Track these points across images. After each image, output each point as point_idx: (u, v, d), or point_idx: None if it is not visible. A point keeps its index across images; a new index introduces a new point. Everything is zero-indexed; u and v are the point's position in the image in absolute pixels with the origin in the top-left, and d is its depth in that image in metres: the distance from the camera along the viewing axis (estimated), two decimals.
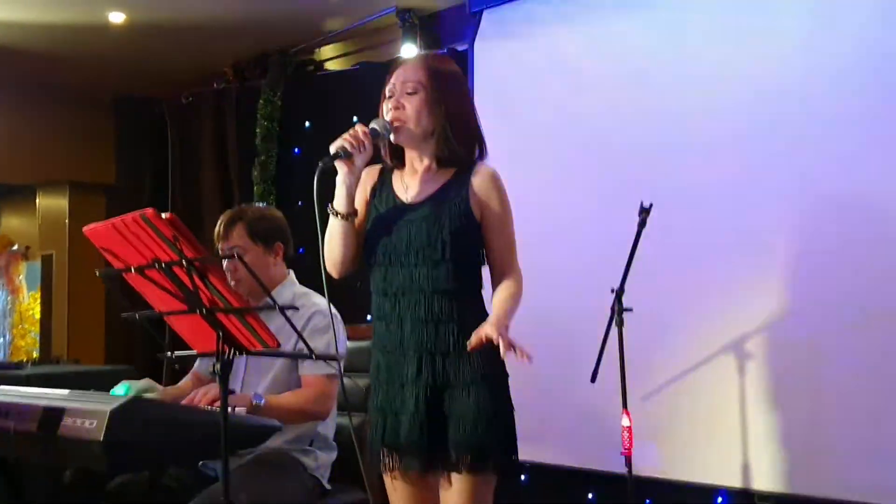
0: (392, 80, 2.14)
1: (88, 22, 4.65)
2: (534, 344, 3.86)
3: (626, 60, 3.72)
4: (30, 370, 4.34)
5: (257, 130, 5.04)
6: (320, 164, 2.02)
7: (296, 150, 4.90)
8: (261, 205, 2.97)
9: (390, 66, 2.27)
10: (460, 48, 4.36)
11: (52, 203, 6.25)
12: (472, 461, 2.05)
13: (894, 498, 2.96)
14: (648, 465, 3.50)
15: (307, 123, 4.85)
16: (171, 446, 1.96)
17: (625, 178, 3.61)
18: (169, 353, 1.84)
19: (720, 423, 3.36)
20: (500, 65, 4.17)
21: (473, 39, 4.25)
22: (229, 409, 2.11)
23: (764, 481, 3.25)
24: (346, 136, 2.07)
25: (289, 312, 2.60)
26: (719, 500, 3.41)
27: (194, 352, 1.81)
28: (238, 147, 5.36)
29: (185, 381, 2.88)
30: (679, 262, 3.49)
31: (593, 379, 3.05)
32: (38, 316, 6.64)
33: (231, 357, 1.65)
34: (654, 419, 3.50)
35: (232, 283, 2.79)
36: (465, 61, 4.26)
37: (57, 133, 5.88)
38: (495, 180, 2.18)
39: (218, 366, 1.63)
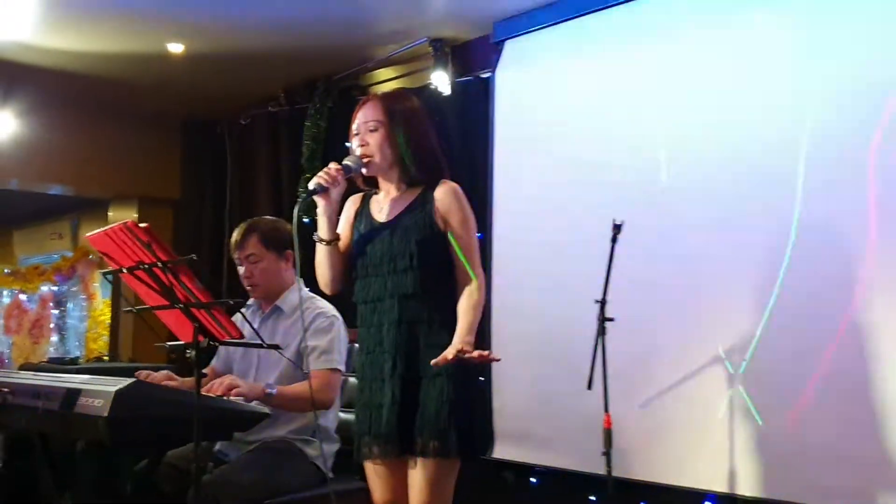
0: (356, 120, 2.46)
1: (151, 51, 5.06)
2: (541, 353, 4.16)
3: (629, 88, 3.95)
4: (80, 366, 4.79)
5: (303, 151, 5.40)
6: (299, 199, 2.35)
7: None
8: (270, 218, 3.31)
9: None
10: (485, 76, 4.63)
11: (123, 215, 6.73)
12: (434, 446, 2.30)
13: (868, 501, 3.10)
14: (642, 469, 3.70)
15: (349, 144, 5.17)
16: (170, 425, 2.27)
17: (627, 194, 3.82)
18: (165, 345, 2.16)
19: (709, 430, 3.52)
20: (518, 90, 4.43)
21: (496, 67, 4.53)
22: (242, 399, 2.45)
23: (748, 487, 3.40)
24: (321, 173, 2.40)
25: (297, 314, 2.94)
26: (707, 503, 3.56)
27: (182, 342, 2.13)
28: (289, 165, 5.73)
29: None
30: (670, 276, 3.71)
31: (589, 385, 3.27)
32: (109, 321, 7.15)
33: (206, 345, 1.95)
34: (649, 425, 3.69)
35: (248, 288, 3.15)
36: (488, 88, 4.55)
37: (128, 152, 6.35)
38: (456, 194, 2.44)
39: (193, 353, 1.95)
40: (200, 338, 1.96)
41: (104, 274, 2.06)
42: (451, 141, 4.56)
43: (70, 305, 7.74)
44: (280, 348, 2.28)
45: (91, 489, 2.71)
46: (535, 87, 4.35)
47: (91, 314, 7.47)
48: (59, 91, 5.78)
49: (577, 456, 3.88)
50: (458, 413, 2.32)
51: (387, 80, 5.37)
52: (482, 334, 4.21)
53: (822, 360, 3.24)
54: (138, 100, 6.03)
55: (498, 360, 2.34)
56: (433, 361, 2.24)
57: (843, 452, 3.15)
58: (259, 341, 2.14)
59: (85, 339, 7.45)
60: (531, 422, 4.16)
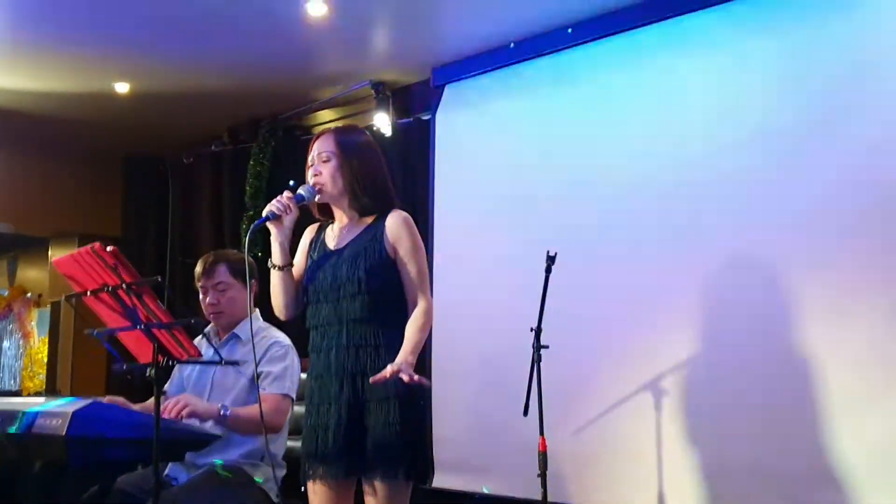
0: (312, 152, 2.62)
1: (97, 91, 5.14)
2: (479, 382, 4.31)
3: (561, 128, 4.20)
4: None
5: (247, 188, 5.52)
6: (251, 225, 2.48)
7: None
8: (235, 251, 3.44)
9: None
10: (425, 118, 4.83)
11: (62, 254, 6.70)
12: (384, 469, 2.40)
13: None
14: (576, 493, 3.86)
15: (291, 182, 5.30)
16: (126, 444, 2.35)
17: (561, 228, 4.02)
18: (123, 366, 2.26)
19: (638, 453, 3.70)
20: (457, 131, 4.65)
21: (436, 110, 4.74)
22: (196, 421, 2.54)
23: None
24: (274, 201, 2.54)
25: (252, 342, 3.04)
26: None
27: (140, 363, 2.23)
28: (231, 202, 5.83)
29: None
30: (602, 307, 3.92)
31: (525, 412, 3.42)
32: (45, 359, 7.08)
33: (164, 364, 2.07)
34: (582, 450, 3.86)
35: (212, 315, 3.25)
36: (429, 129, 4.76)
37: (68, 189, 6.36)
38: (406, 222, 2.57)
39: (153, 371, 2.06)
40: (160, 357, 2.07)
41: (67, 298, 2.16)
42: (394, 179, 4.72)
43: (5, 343, 7.63)
44: (238, 363, 2.40)
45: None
46: (474, 129, 4.57)
47: (27, 352, 7.39)
48: None
49: (514, 482, 4.01)
50: (407, 436, 2.41)
51: (330, 120, 5.54)
52: (422, 363, 4.36)
53: (746, 387, 3.46)
54: (79, 137, 6.07)
55: (428, 385, 2.45)
56: (372, 379, 2.34)
57: (768, 473, 3.36)
58: (216, 360, 2.25)
59: (21, 377, 7.36)
60: (469, 450, 4.30)
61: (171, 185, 6.34)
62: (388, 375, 2.33)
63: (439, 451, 4.40)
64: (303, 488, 2.60)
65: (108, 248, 1.94)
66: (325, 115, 5.57)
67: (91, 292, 2.03)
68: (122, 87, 5.10)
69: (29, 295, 7.56)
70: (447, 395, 4.37)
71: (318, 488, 2.52)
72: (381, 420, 2.42)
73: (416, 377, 2.35)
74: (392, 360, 2.42)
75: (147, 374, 2.09)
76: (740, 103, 3.64)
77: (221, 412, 2.85)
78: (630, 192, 3.91)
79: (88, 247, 1.95)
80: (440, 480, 4.38)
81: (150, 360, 2.12)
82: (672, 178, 3.78)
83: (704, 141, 3.71)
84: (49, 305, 6.85)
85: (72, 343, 6.48)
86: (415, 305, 2.54)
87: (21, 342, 7.54)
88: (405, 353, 2.42)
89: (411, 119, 4.94)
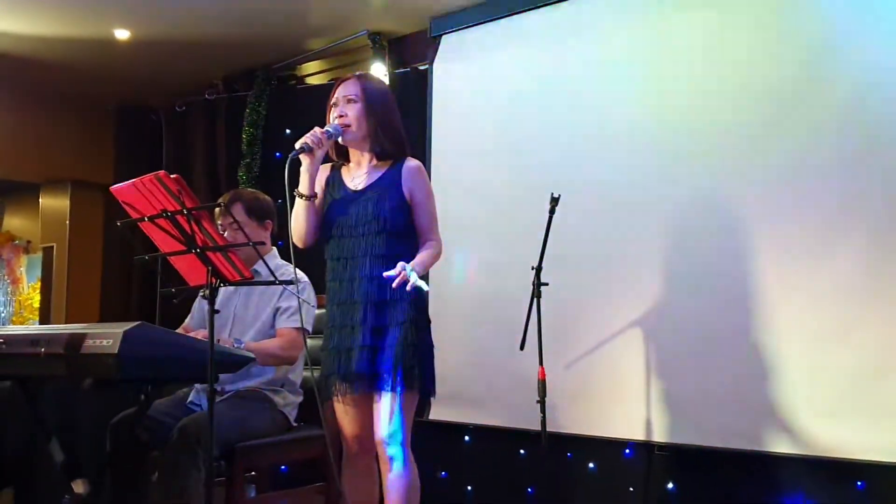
0: (336, 94, 2.80)
1: (96, 37, 5.20)
2: (476, 320, 4.51)
3: (558, 79, 4.37)
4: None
5: (243, 136, 5.63)
6: (290, 156, 2.64)
7: (277, 154, 5.48)
8: (252, 191, 3.57)
9: None
10: (422, 68, 4.97)
11: (55, 200, 6.78)
12: (399, 380, 2.63)
13: (763, 444, 3.58)
14: (568, 423, 4.11)
15: (287, 131, 5.44)
16: (171, 363, 2.52)
17: (554, 174, 4.18)
18: (172, 289, 2.43)
19: (627, 386, 3.94)
20: (454, 82, 4.80)
21: (433, 61, 4.88)
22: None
23: (662, 434, 3.85)
24: (307, 136, 2.71)
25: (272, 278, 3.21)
26: (626, 451, 3.99)
27: (190, 287, 2.40)
28: (226, 151, 5.95)
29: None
30: (594, 249, 4.13)
31: (522, 346, 3.64)
32: (37, 305, 7.18)
33: (217, 286, 2.24)
34: (574, 383, 4.09)
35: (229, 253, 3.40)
36: (426, 80, 4.90)
37: (61, 136, 6.41)
38: (421, 171, 2.83)
39: (208, 291, 2.23)
40: (213, 279, 2.24)
41: (122, 223, 2.31)
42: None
43: None
44: (292, 283, 2.59)
45: (93, 428, 2.92)
46: (471, 79, 4.72)
47: (18, 299, 7.47)
48: None
49: (509, 414, 4.25)
50: (420, 354, 2.68)
51: (325, 69, 5.66)
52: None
53: (728, 322, 3.71)
54: (72, 84, 6.10)
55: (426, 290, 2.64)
56: (386, 274, 2.57)
57: (747, 403, 3.62)
58: (271, 281, 2.41)
59: (11, 323, 7.45)
60: (466, 384, 4.51)
61: (165, 134, 6.41)
62: (399, 272, 2.53)
63: (437, 385, 4.61)
64: (321, 409, 2.80)
65: (172, 176, 2.10)
66: (320, 65, 5.69)
67: (149, 218, 2.18)
68: (122, 34, 5.16)
69: (17, 242, 7.62)
70: (444, 333, 4.54)
71: (347, 408, 2.77)
72: (399, 341, 2.66)
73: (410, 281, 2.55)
74: (406, 291, 2.63)
75: (202, 294, 2.26)
76: (725, 56, 3.83)
77: (234, 345, 3.04)
78: (623, 139, 4.09)
79: (152, 174, 2.10)
80: (437, 413, 4.61)
81: (199, 282, 2.28)
82: (659, 125, 3.98)
83: (690, 93, 3.91)
84: (41, 251, 6.93)
85: (66, 290, 6.58)
86: (425, 243, 2.81)
87: (10, 288, 7.62)
88: (415, 262, 2.67)
89: (408, 69, 5.07)
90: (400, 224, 2.75)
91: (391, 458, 2.68)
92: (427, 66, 4.92)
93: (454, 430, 4.55)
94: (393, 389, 2.64)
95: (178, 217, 2.14)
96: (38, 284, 7.10)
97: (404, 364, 2.64)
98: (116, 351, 2.35)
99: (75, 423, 3.33)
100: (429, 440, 4.57)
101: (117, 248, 6.49)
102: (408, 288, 2.52)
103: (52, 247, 6.76)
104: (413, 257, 2.75)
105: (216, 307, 3.38)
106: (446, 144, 4.79)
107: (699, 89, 3.89)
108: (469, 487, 4.48)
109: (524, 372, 3.68)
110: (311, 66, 5.79)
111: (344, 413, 2.79)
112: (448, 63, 4.84)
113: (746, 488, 3.62)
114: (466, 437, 4.52)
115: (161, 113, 6.42)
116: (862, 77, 3.45)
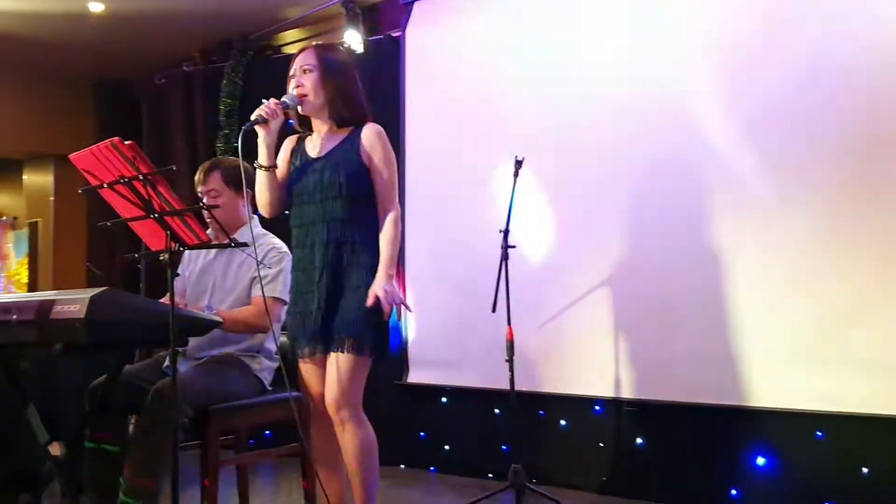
0: (294, 65, 2.83)
1: (70, 11, 5.22)
2: (450, 285, 4.59)
3: (528, 44, 4.41)
4: None
5: (221, 108, 5.67)
6: (243, 128, 2.69)
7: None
8: (232, 159, 3.57)
9: None
10: (395, 35, 5.01)
11: (38, 176, 6.82)
12: (350, 343, 2.68)
13: (726, 398, 3.67)
14: (541, 382, 4.20)
15: (264, 100, 5.46)
16: (138, 326, 2.57)
17: (526, 138, 4.26)
18: (135, 254, 2.49)
19: (597, 345, 4.04)
20: (427, 48, 4.83)
21: (406, 27, 4.92)
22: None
23: (629, 391, 3.95)
24: (261, 107, 2.75)
25: (250, 248, 3.25)
26: (597, 408, 4.09)
27: (152, 251, 2.45)
28: (205, 122, 5.98)
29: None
30: (565, 210, 4.19)
31: (494, 308, 3.72)
32: (25, 280, 7.24)
33: (177, 250, 2.30)
34: (545, 343, 4.19)
35: (208, 220, 3.43)
36: (399, 47, 4.94)
37: (42, 111, 6.45)
38: (379, 135, 2.82)
39: (167, 256, 2.29)
40: (172, 244, 2.31)
41: (84, 190, 2.37)
42: (367, 95, 4.92)
43: None
44: (247, 245, 2.64)
45: (67, 393, 2.99)
46: (443, 45, 4.76)
47: (6, 274, 7.54)
48: None
49: (483, 375, 4.34)
50: (373, 320, 2.67)
51: (300, 39, 5.68)
52: (398, 273, 4.65)
53: (686, 280, 3.80)
54: (50, 60, 6.13)
55: (409, 310, 2.71)
56: (368, 302, 2.62)
57: (709, 358, 3.72)
58: (228, 244, 2.46)
59: None
60: (442, 348, 4.61)
61: (144, 107, 6.44)
62: (369, 304, 2.61)
63: (415, 350, 4.72)
64: (285, 374, 2.87)
65: (127, 142, 2.16)
66: (296, 34, 5.71)
67: (108, 185, 2.25)
68: (96, 7, 5.18)
69: (4, 218, 7.67)
70: (421, 298, 4.66)
71: (308, 367, 2.83)
72: (353, 304, 2.70)
73: (398, 301, 2.64)
74: (366, 255, 2.72)
75: (161, 258, 2.32)
76: (692, 21, 3.90)
77: (206, 312, 3.09)
78: (591, 104, 4.16)
79: (108, 141, 2.16)
80: (416, 376, 4.71)
81: (161, 246, 2.34)
82: (630, 90, 4.03)
83: (659, 60, 3.97)
84: (27, 227, 6.98)
85: (51, 262, 6.64)
86: (385, 212, 2.79)
87: None
88: (383, 269, 2.69)
89: (382, 37, 5.10)
90: (357, 189, 2.76)
91: (342, 421, 2.74)
92: (399, 34, 4.94)
93: (432, 392, 4.64)
94: (342, 352, 2.69)
95: (135, 183, 2.20)
96: (26, 260, 7.16)
97: (355, 330, 2.68)
98: (83, 315, 2.40)
99: (53, 388, 3.40)
100: (408, 402, 4.69)
101: (102, 221, 6.53)
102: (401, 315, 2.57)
103: (37, 222, 6.81)
104: (373, 222, 2.79)
105: (196, 273, 3.49)
106: (420, 110, 4.84)
107: (667, 56, 3.94)
108: (447, 447, 4.58)
109: (497, 334, 3.75)
110: (287, 36, 5.81)
111: (307, 373, 2.86)
112: (420, 29, 4.87)
113: (711, 441, 3.72)
114: (444, 399, 4.62)
115: (140, 86, 6.44)
116: (820, 35, 3.50)
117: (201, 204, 2.25)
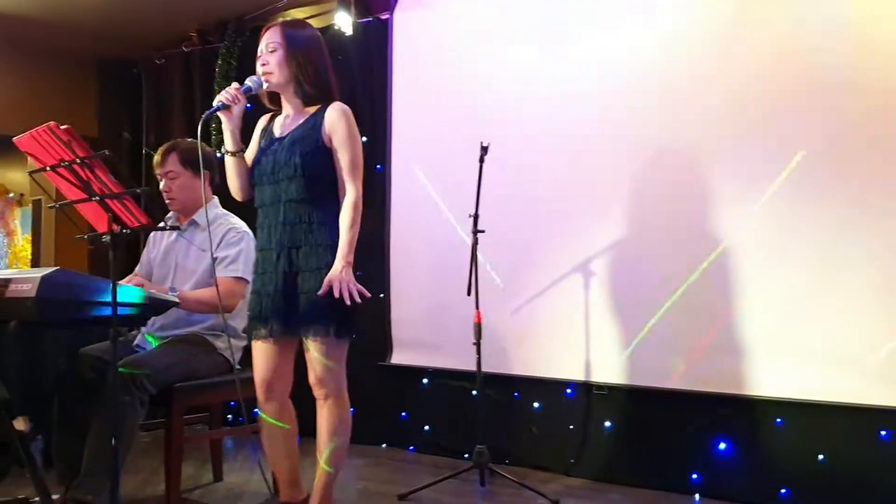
0: (260, 44, 2.85)
1: None
2: (433, 268, 4.61)
3: (517, 29, 4.40)
4: None
5: (216, 88, 5.71)
6: (203, 116, 2.72)
7: (248, 105, 5.55)
8: (190, 140, 3.63)
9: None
10: (384, 17, 5.00)
11: None
12: (315, 327, 2.72)
13: (691, 384, 3.68)
14: (515, 365, 4.23)
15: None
16: (89, 306, 2.63)
17: (513, 122, 4.28)
18: (85, 235, 2.54)
19: (570, 329, 4.06)
20: (414, 31, 4.83)
21: (394, 9, 4.92)
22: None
23: (602, 375, 3.97)
24: (222, 93, 2.78)
25: (211, 228, 3.30)
26: (569, 391, 4.11)
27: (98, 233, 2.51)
28: (202, 102, 6.03)
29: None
30: (540, 193, 4.20)
31: (469, 292, 3.76)
32: (31, 257, 7.36)
33: (121, 232, 2.35)
34: (520, 327, 4.21)
35: (168, 201, 3.51)
36: (387, 29, 4.94)
37: (44, 91, 6.53)
38: (343, 113, 2.80)
39: (108, 238, 2.35)
40: (115, 226, 2.36)
41: (30, 173, 2.44)
42: (354, 78, 4.95)
43: None
44: (180, 228, 2.69)
45: (22, 369, 3.07)
46: (432, 28, 4.75)
47: (12, 250, 7.67)
48: None
49: (461, 357, 4.36)
50: (333, 302, 2.65)
51: (295, 20, 5.69)
52: (381, 255, 4.69)
53: (664, 267, 3.80)
54: (53, 39, 6.20)
55: (368, 296, 2.68)
56: (322, 291, 2.63)
57: (680, 343, 3.74)
58: (166, 227, 2.52)
59: None
60: (423, 330, 4.64)
61: (145, 87, 6.51)
62: (322, 292, 2.63)
63: (397, 331, 4.76)
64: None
65: (63, 127, 2.20)
66: (291, 14, 5.73)
67: (50, 168, 2.30)
68: None
69: (11, 195, 7.79)
70: (404, 281, 4.70)
71: (259, 346, 2.86)
72: (313, 287, 2.70)
73: (354, 291, 2.63)
74: (325, 234, 2.74)
75: (103, 240, 2.37)
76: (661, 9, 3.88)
77: (170, 294, 3.15)
78: (573, 92, 4.15)
79: (45, 125, 2.21)
80: (398, 357, 4.75)
81: (106, 228, 2.40)
82: (611, 82, 4.03)
83: (642, 45, 3.96)
84: (31, 204, 7.09)
85: (54, 240, 6.74)
86: (345, 193, 2.78)
87: (5, 240, 7.81)
88: (341, 255, 2.69)
89: (371, 19, 5.10)
90: (314, 169, 2.75)
91: (324, 397, 2.80)
92: (388, 16, 4.95)
93: (413, 373, 4.68)
94: (311, 337, 2.73)
95: (75, 166, 2.25)
96: (31, 237, 7.28)
97: (316, 314, 2.70)
98: (34, 294, 2.47)
99: (29, 363, 3.47)
100: (391, 383, 4.75)
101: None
102: (356, 299, 2.61)
103: (41, 199, 6.91)
104: (333, 202, 2.79)
105: (160, 255, 3.56)
106: (407, 93, 4.85)
107: (652, 41, 3.92)
108: (427, 427, 4.63)
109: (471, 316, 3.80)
110: (283, 16, 5.82)
111: (257, 353, 2.86)
112: (409, 12, 4.88)
113: (675, 425, 3.75)
114: (425, 380, 4.66)
115: (141, 65, 6.51)
116: (798, 11, 3.47)
117: (136, 188, 2.28)
